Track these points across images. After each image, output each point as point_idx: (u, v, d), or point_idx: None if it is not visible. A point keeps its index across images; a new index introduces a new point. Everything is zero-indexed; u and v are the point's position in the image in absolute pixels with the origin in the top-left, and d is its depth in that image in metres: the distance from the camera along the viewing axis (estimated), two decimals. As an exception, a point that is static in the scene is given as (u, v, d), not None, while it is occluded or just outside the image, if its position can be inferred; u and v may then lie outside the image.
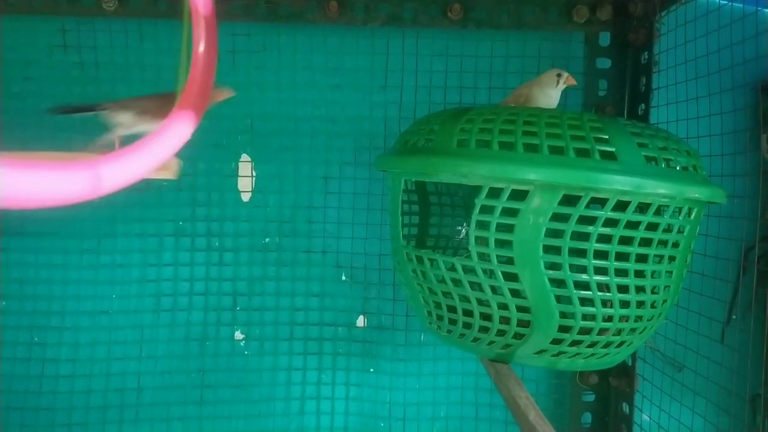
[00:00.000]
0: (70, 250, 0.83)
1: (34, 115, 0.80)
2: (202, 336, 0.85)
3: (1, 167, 0.22)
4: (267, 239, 0.86)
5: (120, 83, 0.81)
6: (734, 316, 0.72)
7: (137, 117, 0.61)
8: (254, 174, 0.85)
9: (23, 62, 0.80)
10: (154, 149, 0.31)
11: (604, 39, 0.82)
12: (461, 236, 0.77)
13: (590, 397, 0.85)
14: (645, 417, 0.77)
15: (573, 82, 0.66)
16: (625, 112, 0.81)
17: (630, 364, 0.78)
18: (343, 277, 0.87)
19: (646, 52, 0.77)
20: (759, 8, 0.63)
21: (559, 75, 0.66)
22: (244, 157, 0.85)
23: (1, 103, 0.79)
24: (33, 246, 0.82)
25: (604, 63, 0.82)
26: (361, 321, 0.87)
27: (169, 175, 0.54)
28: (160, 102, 0.60)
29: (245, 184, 0.85)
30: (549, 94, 0.66)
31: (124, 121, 0.62)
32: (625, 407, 0.80)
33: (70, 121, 0.81)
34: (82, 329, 0.83)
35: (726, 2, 0.68)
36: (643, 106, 0.77)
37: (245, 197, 0.85)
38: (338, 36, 0.83)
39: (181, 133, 0.34)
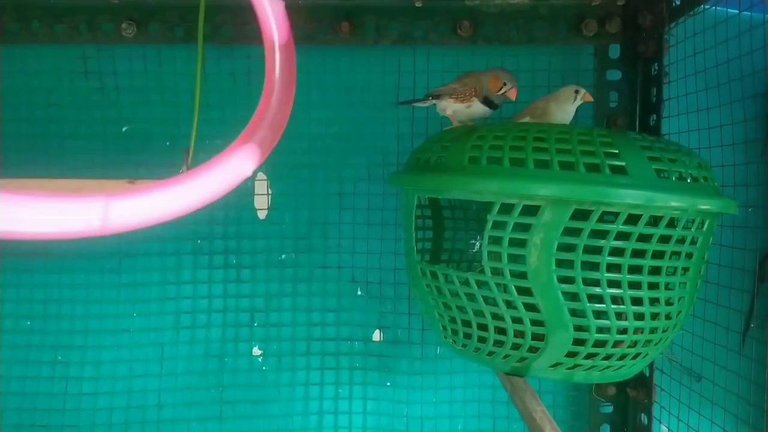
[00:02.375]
0: (92, 270, 0.85)
1: (57, 140, 0.83)
2: (221, 352, 0.86)
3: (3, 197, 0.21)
4: (283, 256, 0.87)
5: (140, 107, 0.83)
6: (752, 326, 0.72)
7: (450, 100, 0.69)
8: (270, 192, 0.87)
9: (46, 89, 0.83)
10: (194, 186, 0.28)
11: (614, 51, 0.82)
12: (475, 250, 0.77)
13: (608, 409, 0.85)
14: (663, 428, 0.77)
15: (590, 98, 0.67)
16: (637, 123, 0.81)
17: (648, 374, 0.78)
18: (359, 292, 0.88)
19: (656, 64, 0.77)
20: (767, 16, 0.64)
21: (576, 91, 0.67)
22: (260, 175, 0.86)
23: (18, 130, 0.81)
24: (57, 267, 0.84)
25: (615, 75, 0.82)
26: (377, 335, 0.88)
27: None
28: (466, 82, 0.68)
29: (261, 201, 0.87)
30: (565, 109, 0.67)
31: (444, 105, 0.69)
32: (644, 418, 0.80)
33: (91, 145, 0.84)
34: (104, 347, 0.85)
35: (734, 12, 0.68)
36: (654, 116, 0.78)
37: (261, 215, 0.87)
38: (350, 56, 0.84)
39: (239, 170, 0.30)
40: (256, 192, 0.86)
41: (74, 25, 0.80)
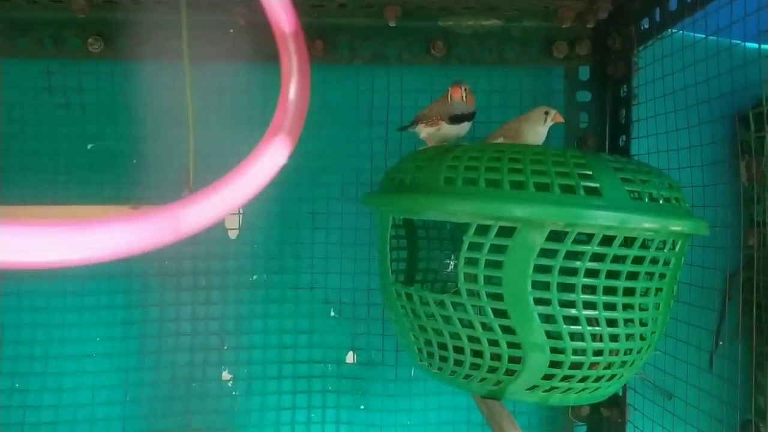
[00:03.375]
0: (53, 293, 0.81)
1: (18, 157, 0.80)
2: (188, 377, 0.83)
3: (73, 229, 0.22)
4: (254, 276, 0.85)
5: (106, 124, 0.81)
6: (721, 343, 0.73)
7: (421, 125, 0.69)
8: (241, 211, 0.85)
9: (8, 104, 0.80)
10: (245, 181, 0.30)
11: (584, 73, 0.83)
12: (449, 270, 0.77)
13: (582, 429, 0.85)
14: (638, 449, 0.77)
15: (560, 119, 0.67)
16: (607, 143, 0.82)
17: (621, 394, 0.78)
18: (332, 313, 0.86)
19: (625, 85, 0.78)
20: (732, 41, 0.65)
21: (546, 113, 0.67)
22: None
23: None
24: (15, 289, 0.80)
25: (585, 96, 0.83)
26: (350, 357, 0.86)
27: None
28: (432, 107, 0.69)
29: (232, 221, 0.85)
30: (537, 130, 0.67)
31: (419, 129, 0.70)
32: (618, 439, 0.80)
33: (54, 163, 0.81)
34: (66, 374, 0.81)
35: (701, 37, 0.70)
36: (624, 137, 0.79)
37: (232, 234, 0.85)
38: (324, 74, 0.84)
39: (275, 161, 0.32)
40: (226, 211, 0.84)
41: (38, 39, 0.77)
